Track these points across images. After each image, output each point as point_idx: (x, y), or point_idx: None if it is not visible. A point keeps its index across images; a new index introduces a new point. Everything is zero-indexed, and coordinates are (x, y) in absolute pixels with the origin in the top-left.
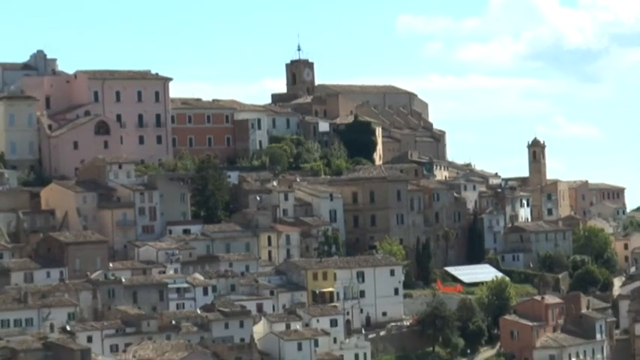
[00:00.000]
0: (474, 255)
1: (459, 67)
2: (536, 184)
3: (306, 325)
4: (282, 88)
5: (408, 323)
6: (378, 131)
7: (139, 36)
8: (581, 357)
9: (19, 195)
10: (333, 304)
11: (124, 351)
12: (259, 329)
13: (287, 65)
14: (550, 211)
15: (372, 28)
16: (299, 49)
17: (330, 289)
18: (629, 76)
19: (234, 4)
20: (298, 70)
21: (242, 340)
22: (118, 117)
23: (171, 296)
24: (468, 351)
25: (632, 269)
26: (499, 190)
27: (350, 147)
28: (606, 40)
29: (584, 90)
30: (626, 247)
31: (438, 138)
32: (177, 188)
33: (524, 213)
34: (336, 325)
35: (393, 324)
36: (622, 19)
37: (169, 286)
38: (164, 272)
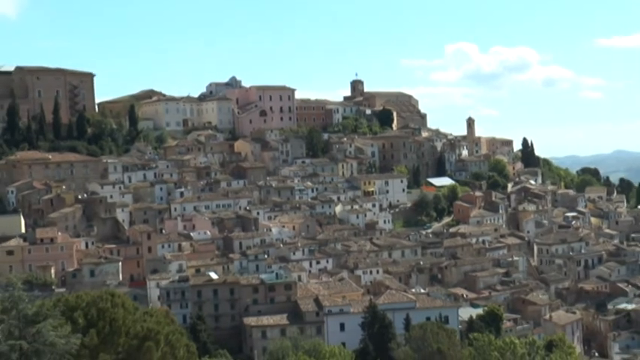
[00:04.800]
0: (441, 172)
1: (433, 83)
2: (470, 139)
3: (360, 206)
4: (348, 93)
5: (409, 205)
6: (395, 114)
7: (282, 67)
8: (492, 221)
9: (223, 145)
10: (373, 196)
11: (274, 219)
12: (338, 208)
13: (351, 82)
14: (477, 152)
15: (390, 65)
16: (356, 75)
17: (372, 189)
18: (514, 87)
19: (326, 56)
20: (356, 85)
21: (330, 213)
22: (271, 108)
23: (297, 193)
24: (438, 218)
25: (517, 179)
26: (452, 142)
27: (381, 121)
28: (501, 69)
29: (491, 93)
30: (513, 168)
31: (423, 117)
32: (298, 141)
33: (464, 152)
34: (375, 206)
35: (402, 206)
36: (509, 59)
37: (295, 188)
38: (292, 181)
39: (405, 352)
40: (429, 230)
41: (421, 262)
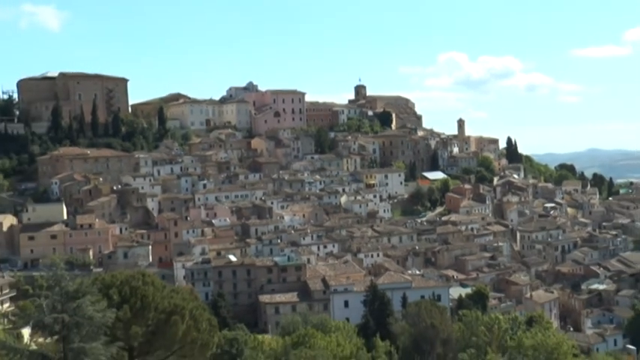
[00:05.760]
0: (434, 167)
1: (427, 88)
2: (461, 138)
3: (363, 197)
4: (352, 96)
5: (406, 196)
6: (394, 115)
7: (294, 73)
8: (480, 211)
9: (241, 142)
10: (374, 188)
11: (286, 208)
12: (343, 199)
13: (355, 87)
14: (466, 149)
15: (389, 71)
16: (359, 80)
17: (373, 182)
18: (500, 91)
19: (333, 64)
20: (360, 89)
21: (336, 203)
22: (283, 109)
23: (306, 185)
24: (432, 208)
25: (501, 174)
26: (445, 140)
27: (382, 122)
28: (488, 76)
29: (480, 97)
30: (499, 164)
31: (419, 118)
32: (308, 139)
33: (455, 149)
34: (376, 197)
35: (399, 197)
36: (495, 67)
37: (305, 180)
38: (303, 174)
39: (402, 326)
40: (424, 219)
41: (417, 247)
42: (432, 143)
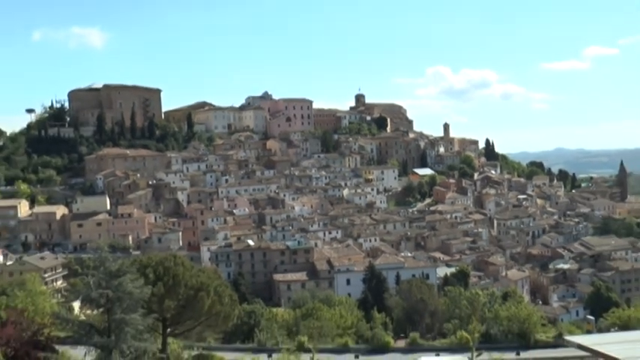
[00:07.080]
0: (424, 164)
1: (417, 97)
2: (446, 139)
3: (362, 190)
4: (353, 104)
5: (399, 189)
6: (389, 120)
7: (302, 83)
8: (462, 202)
9: (258, 143)
10: (372, 182)
11: (296, 200)
12: (345, 191)
13: (355, 96)
14: (451, 149)
15: (384, 82)
16: (359, 90)
17: (371, 177)
18: (479, 99)
19: (336, 75)
20: (359, 98)
21: (339, 195)
22: (294, 115)
23: (314, 180)
24: (421, 199)
25: (481, 170)
26: (432, 141)
27: (378, 125)
28: (469, 86)
29: (462, 105)
30: (478, 161)
31: (410, 122)
32: (315, 141)
33: (441, 149)
34: (373, 190)
35: (394, 190)
36: (475, 78)
37: (312, 176)
38: (310, 171)
39: (396, 301)
40: (415, 208)
41: (408, 233)
42: (422, 144)
